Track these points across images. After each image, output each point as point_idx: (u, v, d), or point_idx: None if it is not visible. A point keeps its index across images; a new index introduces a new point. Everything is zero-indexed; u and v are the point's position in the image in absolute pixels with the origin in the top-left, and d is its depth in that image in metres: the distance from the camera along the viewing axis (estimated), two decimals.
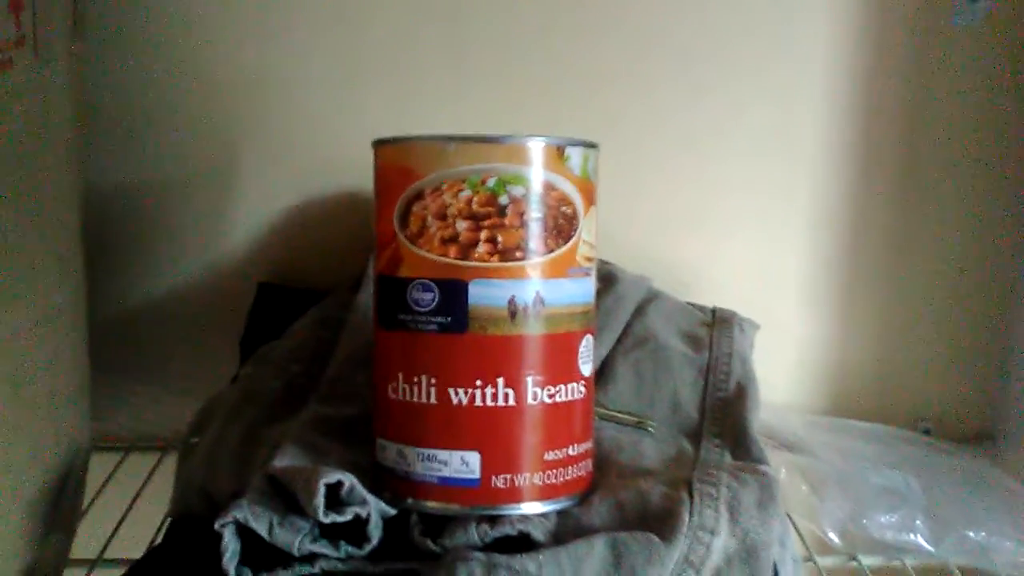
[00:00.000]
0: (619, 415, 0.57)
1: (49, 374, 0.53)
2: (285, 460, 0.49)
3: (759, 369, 0.64)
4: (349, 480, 0.45)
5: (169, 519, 0.55)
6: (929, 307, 0.77)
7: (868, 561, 0.63)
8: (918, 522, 0.63)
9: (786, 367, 0.79)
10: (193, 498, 0.54)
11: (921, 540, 0.62)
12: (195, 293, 0.76)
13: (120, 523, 0.64)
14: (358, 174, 0.74)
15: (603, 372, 0.60)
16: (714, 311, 0.68)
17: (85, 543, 0.63)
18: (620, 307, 0.65)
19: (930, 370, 0.78)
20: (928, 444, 0.75)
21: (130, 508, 0.66)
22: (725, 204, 0.75)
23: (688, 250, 0.76)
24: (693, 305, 0.70)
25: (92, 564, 0.61)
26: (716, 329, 0.65)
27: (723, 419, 0.57)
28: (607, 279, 0.67)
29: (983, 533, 0.62)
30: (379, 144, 0.48)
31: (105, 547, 0.62)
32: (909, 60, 0.73)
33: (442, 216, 0.45)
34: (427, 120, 0.73)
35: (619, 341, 0.63)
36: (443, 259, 0.45)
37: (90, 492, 0.65)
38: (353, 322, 0.62)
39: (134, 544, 0.59)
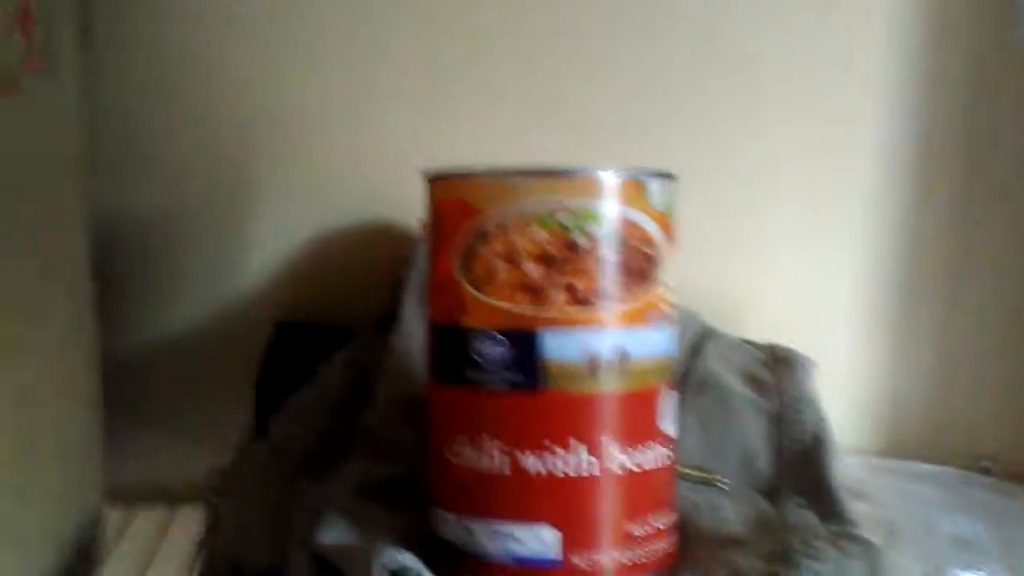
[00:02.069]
0: (688, 471, 0.52)
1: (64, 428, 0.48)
2: (329, 533, 0.43)
3: None
4: (413, 564, 0.40)
5: None
6: (988, 336, 0.72)
7: None
8: None
9: (836, 402, 0.73)
10: (224, 572, 0.48)
11: None
12: (207, 333, 0.70)
13: None
14: (380, 205, 0.69)
15: None
16: (771, 348, 0.63)
17: None
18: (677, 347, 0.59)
19: (988, 403, 0.73)
20: (991, 486, 0.71)
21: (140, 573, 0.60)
22: (771, 228, 0.70)
23: (730, 278, 0.71)
24: (747, 342, 0.65)
25: None
26: (779, 370, 0.60)
27: (802, 474, 0.52)
28: None
29: None
30: (433, 178, 0.42)
31: None
32: (970, 75, 0.68)
33: (511, 259, 0.40)
34: (453, 148, 0.68)
35: (678, 386, 0.57)
36: (514, 307, 0.40)
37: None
38: (390, 367, 0.57)
39: None
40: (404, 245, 0.66)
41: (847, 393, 0.72)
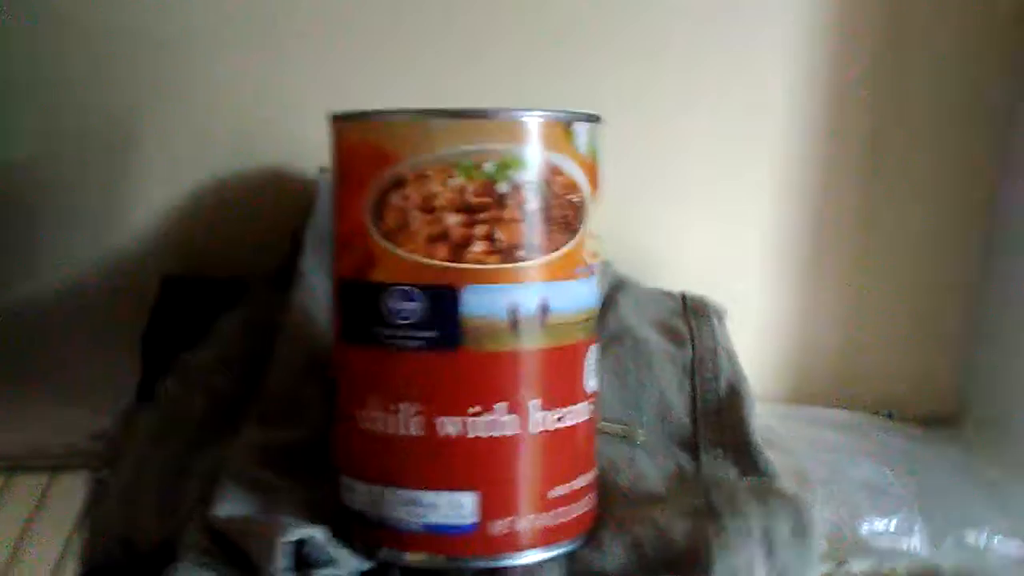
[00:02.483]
0: (605, 425, 0.50)
1: None
2: (226, 506, 0.40)
3: None
4: (318, 535, 0.37)
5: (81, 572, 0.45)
6: (895, 285, 0.72)
7: (860, 567, 0.58)
8: (916, 527, 0.58)
9: (746, 351, 0.73)
10: (112, 547, 0.44)
11: (919, 544, 0.58)
12: (90, 286, 0.65)
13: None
14: (275, 148, 0.64)
15: None
16: (684, 298, 0.62)
17: None
18: None
19: (893, 352, 0.74)
20: (897, 430, 0.71)
21: (18, 543, 0.56)
22: (682, 179, 0.69)
23: (642, 227, 0.69)
24: (661, 292, 0.63)
25: None
26: (694, 319, 0.59)
27: (719, 426, 0.51)
28: None
29: (983, 533, 0.58)
30: (342, 120, 0.39)
31: None
32: (879, 31, 0.67)
33: (428, 208, 0.37)
34: (358, 89, 0.64)
35: None
36: (430, 261, 0.37)
37: None
38: (290, 325, 0.53)
39: None
40: (302, 192, 0.62)
41: (758, 341, 0.72)
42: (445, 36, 0.64)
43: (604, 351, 0.54)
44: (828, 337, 0.72)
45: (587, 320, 0.40)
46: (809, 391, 0.73)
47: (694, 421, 0.51)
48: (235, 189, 0.65)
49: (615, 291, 0.60)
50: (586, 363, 0.40)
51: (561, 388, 0.39)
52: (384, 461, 0.38)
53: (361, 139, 0.38)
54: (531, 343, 0.38)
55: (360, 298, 0.38)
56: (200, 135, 0.63)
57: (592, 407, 0.41)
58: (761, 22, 0.66)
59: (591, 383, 0.41)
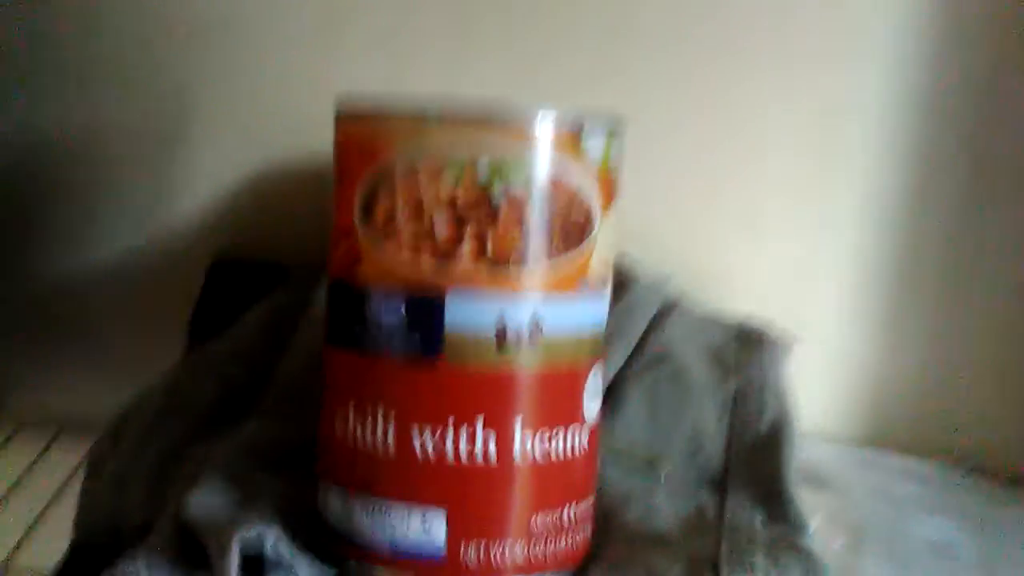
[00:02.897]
0: (627, 454, 0.47)
1: None
2: (203, 498, 0.38)
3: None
4: (272, 534, 0.35)
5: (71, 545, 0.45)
6: (986, 329, 0.66)
7: None
8: None
9: (818, 385, 0.68)
10: (99, 527, 0.43)
11: None
12: (139, 267, 0.65)
13: (32, 525, 0.54)
14: (331, 136, 0.63)
15: (608, 399, 0.49)
16: (741, 325, 0.58)
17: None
18: (635, 315, 0.54)
19: (982, 399, 0.68)
20: (977, 487, 0.65)
21: (48, 506, 0.56)
22: (762, 196, 0.64)
23: (714, 246, 0.65)
24: (717, 316, 0.59)
25: None
26: (744, 350, 0.55)
27: (753, 468, 0.47)
28: (620, 280, 0.56)
29: None
30: (342, 111, 0.37)
31: (13, 551, 0.52)
32: (981, 52, 0.61)
33: (416, 208, 0.34)
34: (420, 80, 0.62)
35: (631, 358, 0.52)
36: (414, 264, 0.34)
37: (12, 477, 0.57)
38: (312, 317, 0.52)
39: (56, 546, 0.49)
40: None
41: (830, 377, 0.67)
42: (516, 30, 0.62)
43: (640, 374, 0.51)
44: (909, 376, 0.67)
45: (590, 341, 0.37)
46: (882, 434, 0.67)
47: (727, 460, 0.48)
48: (286, 173, 0.64)
49: (666, 312, 0.56)
50: (586, 387, 0.37)
51: (552, 412, 0.36)
52: (356, 471, 0.36)
53: (356, 131, 0.36)
54: (520, 361, 0.35)
55: (345, 299, 0.36)
56: (251, 118, 0.63)
57: (589, 436, 0.38)
58: (848, 23, 0.62)
59: (591, 408, 0.38)
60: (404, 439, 0.35)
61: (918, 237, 0.65)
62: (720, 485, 0.46)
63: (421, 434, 0.35)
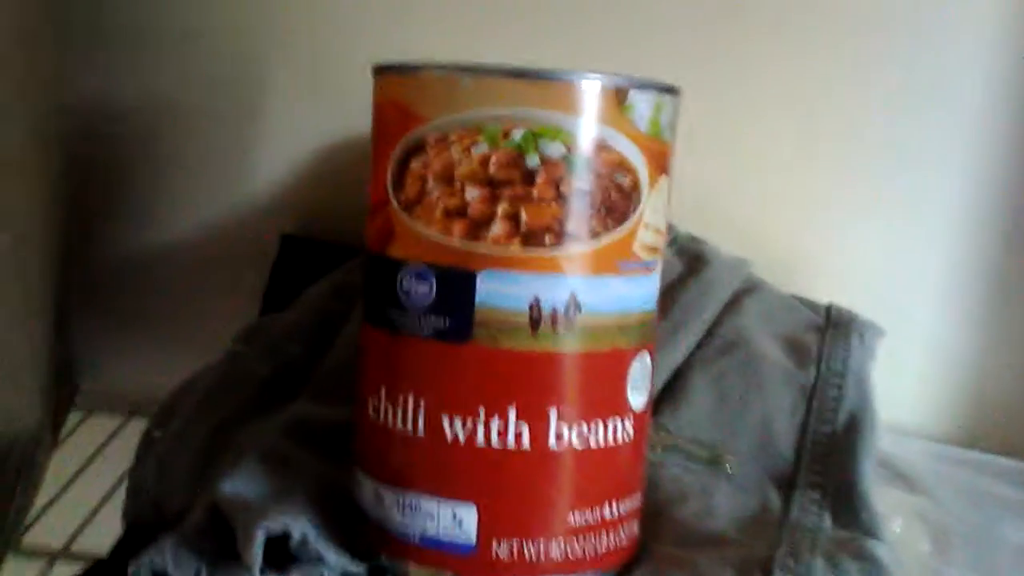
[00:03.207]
0: (690, 446, 0.44)
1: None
2: (236, 484, 0.37)
3: (879, 378, 0.50)
4: (299, 526, 0.33)
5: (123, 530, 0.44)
6: None
7: None
8: None
9: (912, 380, 0.63)
10: (146, 508, 0.43)
11: None
12: (213, 241, 0.65)
13: (97, 510, 0.54)
14: None
15: (674, 385, 0.47)
16: (828, 310, 0.54)
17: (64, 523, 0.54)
18: (707, 299, 0.51)
19: None
20: None
21: (113, 491, 0.56)
22: (855, 174, 0.60)
23: (802, 230, 0.61)
24: (802, 301, 0.55)
25: (53, 558, 0.52)
26: (829, 336, 0.51)
27: (827, 464, 0.44)
28: (694, 261, 0.53)
29: None
30: (377, 72, 0.35)
31: (75, 535, 0.52)
32: None
33: (447, 179, 0.32)
34: (492, 48, 0.60)
35: (700, 344, 0.49)
36: (445, 238, 0.32)
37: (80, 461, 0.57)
38: None
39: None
40: None
41: (925, 369, 0.62)
42: (587, 9, 0.59)
43: (710, 361, 0.48)
44: (1011, 372, 0.62)
45: (635, 324, 0.34)
46: (979, 433, 0.63)
47: (798, 456, 0.44)
48: (360, 150, 0.63)
49: (743, 294, 0.53)
50: (630, 374, 0.34)
51: (592, 400, 0.33)
52: (387, 457, 0.34)
53: (391, 95, 0.34)
54: (556, 344, 0.32)
55: (379, 274, 0.34)
56: (330, 93, 0.61)
57: (635, 427, 0.35)
58: None
59: (637, 398, 0.35)
60: (435, 426, 0.33)
61: (1018, 227, 0.60)
62: (788, 482, 0.43)
63: (452, 421, 0.33)
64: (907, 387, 0.63)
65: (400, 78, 0.33)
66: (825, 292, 0.58)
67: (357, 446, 0.36)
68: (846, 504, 0.41)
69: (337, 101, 0.62)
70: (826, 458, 0.44)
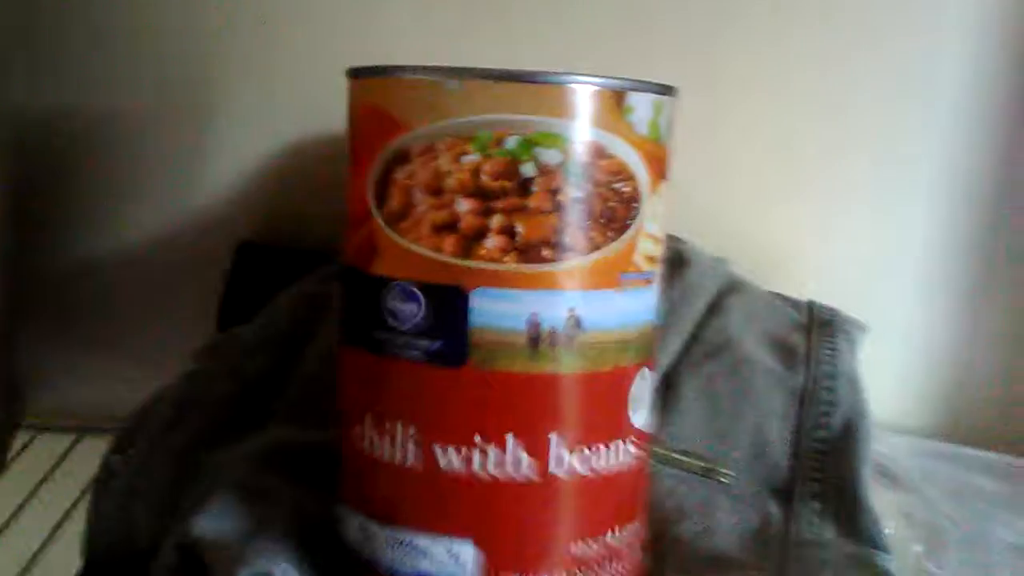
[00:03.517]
0: (684, 458, 0.42)
1: None
2: (212, 518, 0.35)
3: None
4: (282, 572, 0.31)
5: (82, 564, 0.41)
6: None
7: None
8: None
9: (894, 376, 0.62)
10: (108, 543, 0.40)
11: None
12: (166, 250, 0.62)
13: (47, 541, 0.51)
14: None
15: (665, 394, 0.45)
16: (811, 307, 0.52)
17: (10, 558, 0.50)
18: (691, 301, 0.49)
19: None
20: None
21: (66, 516, 0.53)
22: (831, 165, 0.59)
23: (772, 222, 0.60)
24: (783, 298, 0.54)
25: None
26: (815, 336, 0.49)
27: (824, 472, 0.42)
28: (675, 262, 0.51)
29: None
30: (353, 75, 0.32)
31: (30, 563, 0.49)
32: None
33: (435, 190, 0.30)
34: (455, 48, 0.57)
35: (686, 348, 0.47)
36: (434, 254, 0.30)
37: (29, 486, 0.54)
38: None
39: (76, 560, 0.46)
40: None
41: (906, 363, 0.61)
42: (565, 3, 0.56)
43: (698, 366, 0.46)
44: (993, 364, 0.61)
45: (636, 340, 0.32)
46: (964, 427, 0.62)
47: (794, 463, 0.43)
48: (317, 150, 0.60)
49: (725, 295, 0.51)
50: (632, 393, 0.32)
51: (595, 423, 0.31)
52: (376, 491, 0.32)
53: (370, 100, 0.31)
54: (556, 365, 0.30)
55: (359, 292, 0.32)
56: (284, 95, 0.58)
57: (637, 447, 0.33)
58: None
59: (640, 417, 0.33)
60: (428, 455, 0.31)
61: (998, 220, 0.59)
62: (787, 492, 0.41)
63: (446, 450, 0.30)
64: (886, 381, 0.62)
65: (380, 82, 0.31)
66: (802, 287, 0.57)
67: (341, 478, 0.34)
68: (847, 513, 0.40)
69: (293, 101, 0.59)
70: (823, 464, 0.42)
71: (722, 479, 0.42)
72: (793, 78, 0.57)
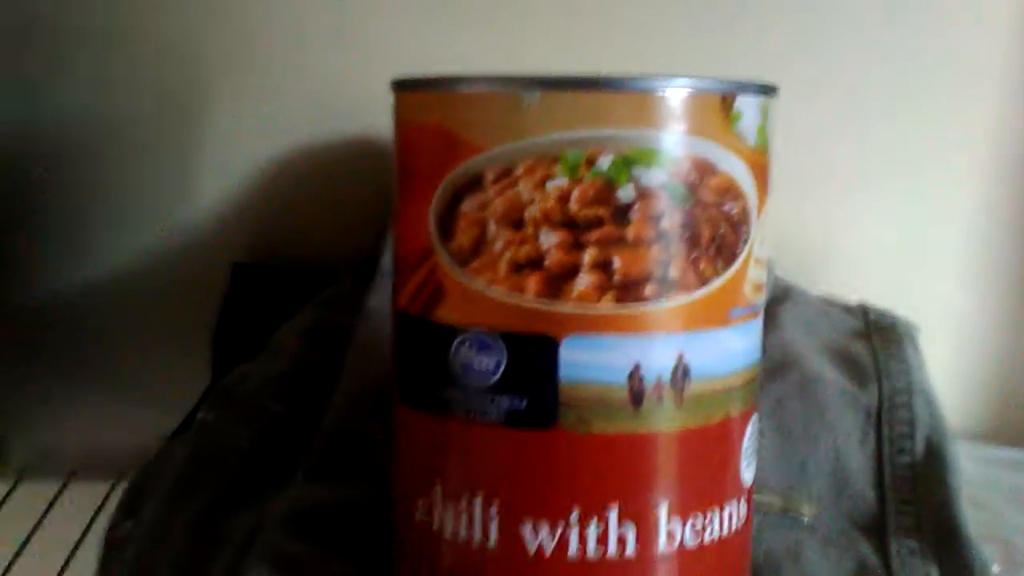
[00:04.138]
0: (761, 495, 0.38)
1: None
2: None
3: None
4: None
5: None
6: None
7: None
8: None
9: (941, 374, 0.59)
10: None
11: None
12: (154, 275, 0.56)
13: None
14: (368, 117, 0.54)
15: None
16: (865, 312, 0.49)
17: None
18: None
19: None
20: None
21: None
22: (868, 158, 0.55)
23: (806, 215, 0.56)
24: (833, 302, 0.50)
25: None
26: (877, 344, 0.45)
27: (916, 503, 0.38)
28: None
29: None
30: (403, 88, 0.27)
31: None
32: None
33: (515, 222, 0.25)
34: (459, 51, 0.53)
35: None
36: (516, 298, 0.25)
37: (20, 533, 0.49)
38: (361, 337, 0.43)
39: None
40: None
41: (953, 363, 0.58)
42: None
43: (761, 390, 0.42)
44: None
45: (744, 384, 0.28)
46: (1017, 428, 0.58)
47: (881, 494, 0.39)
48: (318, 165, 0.55)
49: (778, 304, 0.47)
50: (744, 445, 0.28)
51: (706, 485, 0.27)
52: (449, 573, 0.27)
53: (426, 118, 0.26)
54: (663, 422, 0.26)
55: (421, 343, 0.27)
56: (277, 103, 0.53)
57: (747, 508, 0.29)
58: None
59: (750, 473, 0.28)
60: (512, 534, 0.26)
61: None
62: (879, 529, 0.37)
63: (536, 528, 0.26)
64: (935, 382, 0.58)
65: (440, 96, 0.26)
66: (839, 285, 0.53)
67: (399, 551, 0.29)
68: (950, 550, 0.36)
69: (289, 112, 0.54)
70: (913, 496, 0.38)
71: (805, 517, 0.37)
72: (835, 65, 0.53)
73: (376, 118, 0.53)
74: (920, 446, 0.40)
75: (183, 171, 0.54)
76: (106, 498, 0.55)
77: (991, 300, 0.57)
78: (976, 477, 0.53)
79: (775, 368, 0.43)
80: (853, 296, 0.52)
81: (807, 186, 0.55)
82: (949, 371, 0.58)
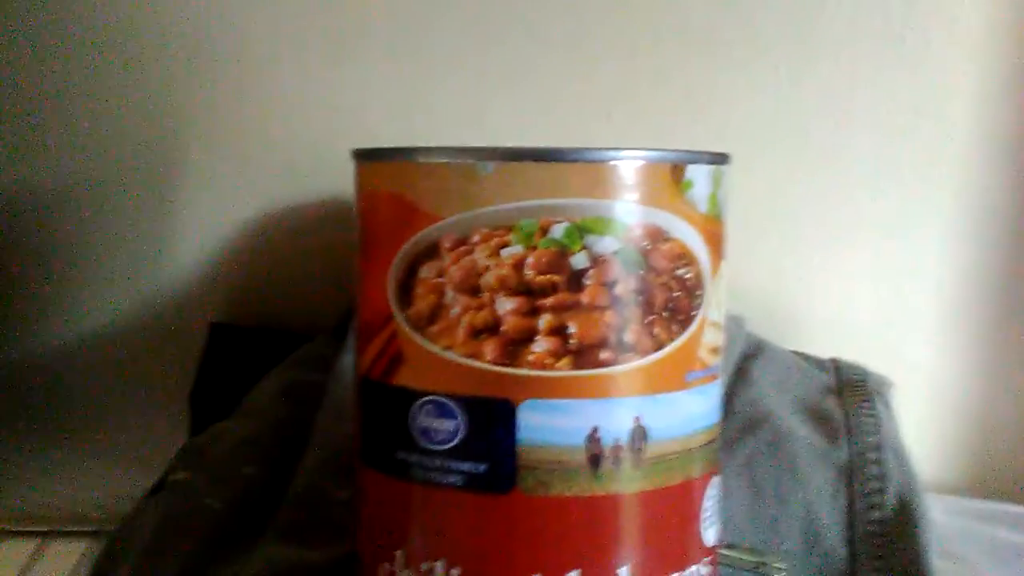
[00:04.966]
0: (730, 553, 0.38)
1: None
2: None
3: None
4: None
5: None
6: None
7: None
8: None
9: (913, 428, 0.59)
10: None
11: None
12: (132, 334, 0.57)
13: None
14: (339, 181, 0.54)
15: None
16: (837, 366, 0.49)
17: None
18: None
19: None
20: None
21: None
22: (839, 214, 0.55)
23: (778, 274, 0.56)
24: (805, 357, 0.50)
25: None
26: (848, 400, 0.46)
27: (886, 559, 0.38)
28: None
29: None
30: (363, 158, 0.28)
31: None
32: None
33: (471, 289, 0.25)
34: (436, 118, 0.53)
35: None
36: (474, 362, 0.25)
37: None
38: (332, 397, 0.43)
39: None
40: None
41: (928, 417, 0.58)
42: (548, 51, 0.53)
43: (734, 445, 0.42)
44: (1015, 415, 0.58)
45: (703, 445, 0.28)
46: (990, 482, 0.59)
47: (852, 551, 0.39)
48: (294, 226, 0.56)
49: (750, 360, 0.48)
50: (704, 507, 0.28)
51: (667, 548, 0.27)
52: None
53: (386, 187, 0.27)
54: (622, 484, 0.26)
55: (383, 408, 0.27)
56: (254, 164, 0.54)
57: (711, 564, 0.29)
58: (943, 11, 0.53)
59: (711, 534, 0.29)
60: None
61: (1020, 254, 0.56)
62: None
63: None
64: (909, 437, 0.58)
65: (398, 166, 0.26)
66: (812, 343, 0.54)
67: None
68: None
69: (264, 174, 0.55)
70: (885, 552, 0.38)
71: (777, 574, 0.37)
72: (804, 120, 0.54)
73: (347, 183, 0.54)
74: (892, 501, 0.40)
75: (161, 232, 0.55)
76: (84, 556, 0.54)
77: (964, 355, 0.57)
78: (953, 530, 0.53)
79: (746, 425, 0.43)
80: (828, 353, 0.53)
81: (782, 246, 0.56)
82: (924, 426, 0.58)
